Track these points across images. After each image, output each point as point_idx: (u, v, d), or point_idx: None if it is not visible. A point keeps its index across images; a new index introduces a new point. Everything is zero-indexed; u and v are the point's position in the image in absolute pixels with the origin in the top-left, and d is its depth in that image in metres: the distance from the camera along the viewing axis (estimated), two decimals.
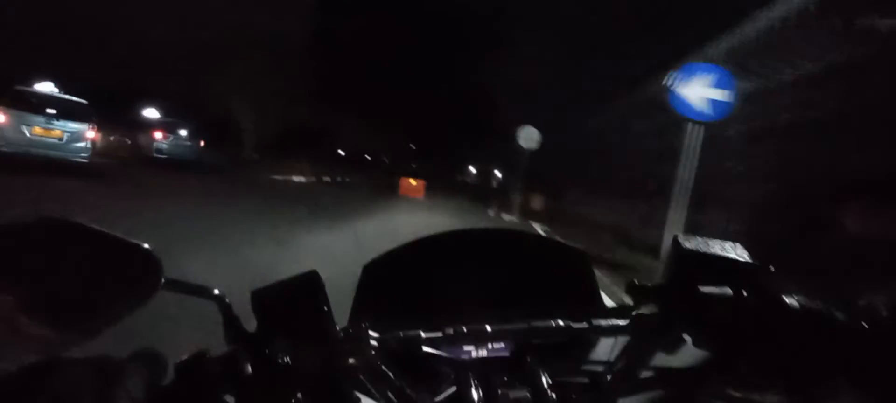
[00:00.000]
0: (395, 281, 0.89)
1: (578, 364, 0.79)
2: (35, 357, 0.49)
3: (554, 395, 0.67)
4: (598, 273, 1.00)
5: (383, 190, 24.96)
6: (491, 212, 20.23)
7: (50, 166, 9.89)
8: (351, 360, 0.66)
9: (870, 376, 0.51)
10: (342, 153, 56.07)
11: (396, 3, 44.04)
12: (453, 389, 0.72)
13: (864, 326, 0.53)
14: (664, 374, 0.67)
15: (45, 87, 11.75)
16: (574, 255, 0.98)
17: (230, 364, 0.66)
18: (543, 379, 0.68)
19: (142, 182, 11.55)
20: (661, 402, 0.67)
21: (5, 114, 9.69)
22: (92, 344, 0.55)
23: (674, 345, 0.67)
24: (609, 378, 0.70)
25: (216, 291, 0.66)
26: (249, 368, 0.63)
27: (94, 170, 11.00)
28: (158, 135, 18.96)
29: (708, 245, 0.70)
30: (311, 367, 0.65)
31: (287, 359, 0.65)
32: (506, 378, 0.72)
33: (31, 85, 11.37)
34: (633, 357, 0.69)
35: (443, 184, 40.98)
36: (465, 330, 0.74)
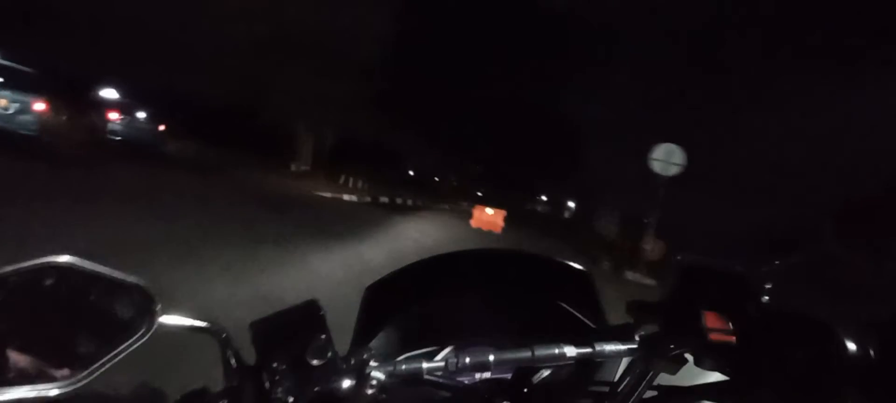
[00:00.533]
0: (397, 302, 0.96)
1: (582, 386, 0.84)
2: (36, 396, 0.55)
3: None
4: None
5: (451, 218, 23.81)
6: (627, 273, 15.29)
7: None
8: (352, 389, 0.73)
9: (874, 391, 0.55)
10: (408, 171, 53.00)
11: (487, 4, 41.04)
12: None
13: (867, 341, 0.56)
14: (668, 395, 0.73)
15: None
16: (579, 276, 1.04)
17: (231, 400, 0.72)
18: (548, 400, 0.77)
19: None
20: None
21: None
22: (89, 386, 0.60)
23: (677, 365, 0.72)
24: (613, 399, 0.76)
25: (214, 325, 0.73)
26: (250, 400, 0.70)
27: None
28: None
29: (710, 263, 0.76)
30: (313, 398, 0.71)
31: (288, 391, 0.71)
32: (509, 400, 0.79)
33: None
34: (636, 377, 0.75)
35: (527, 217, 37.95)
36: (467, 352, 0.80)
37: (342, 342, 0.82)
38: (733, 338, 0.67)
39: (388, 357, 0.77)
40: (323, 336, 0.76)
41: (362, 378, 0.74)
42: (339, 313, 0.83)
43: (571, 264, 1.05)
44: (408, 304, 0.96)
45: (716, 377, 0.69)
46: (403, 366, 0.77)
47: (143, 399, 0.63)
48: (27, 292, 0.59)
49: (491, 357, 0.79)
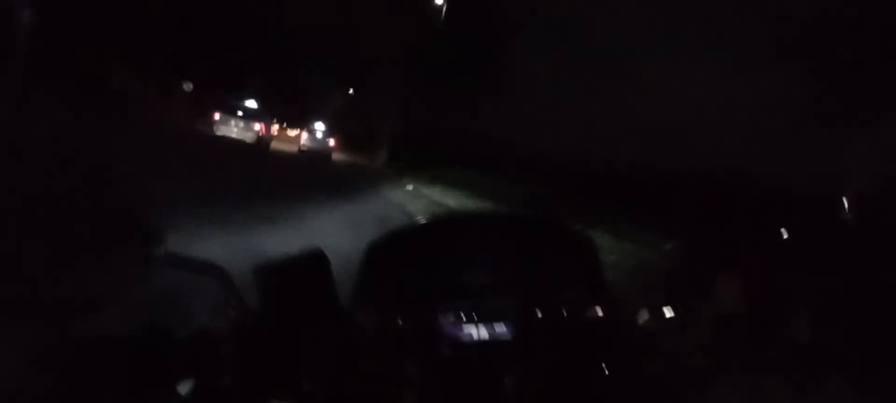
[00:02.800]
0: (398, 262, 0.96)
1: (581, 350, 0.83)
2: (39, 332, 0.57)
3: (556, 379, 0.76)
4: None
5: None
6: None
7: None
8: (354, 338, 0.74)
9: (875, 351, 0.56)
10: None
11: None
12: (455, 370, 0.80)
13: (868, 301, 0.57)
14: (669, 360, 0.72)
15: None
16: (580, 241, 1.03)
17: (234, 341, 0.72)
18: (546, 363, 0.77)
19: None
20: (666, 388, 0.72)
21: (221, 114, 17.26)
22: (95, 317, 0.62)
23: (683, 331, 0.71)
24: (613, 362, 0.76)
25: (220, 266, 0.74)
26: (253, 344, 0.72)
27: None
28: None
29: (714, 231, 0.75)
30: (315, 344, 0.73)
31: (290, 336, 0.73)
32: (508, 362, 0.79)
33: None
34: (637, 342, 0.75)
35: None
36: (467, 312, 0.82)
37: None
38: (738, 305, 0.67)
39: (389, 313, 0.78)
40: (329, 286, 0.77)
41: (366, 329, 0.75)
42: None
43: (574, 229, 1.05)
44: (409, 263, 0.96)
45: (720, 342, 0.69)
46: (407, 321, 0.79)
47: (144, 334, 0.64)
48: (28, 219, 0.62)
49: (490, 311, 0.82)
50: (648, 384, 0.73)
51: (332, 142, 22.72)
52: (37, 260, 0.61)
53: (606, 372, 0.75)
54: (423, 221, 1.08)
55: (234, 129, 17.94)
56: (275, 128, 22.81)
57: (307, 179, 12.01)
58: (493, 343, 0.88)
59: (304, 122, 23.85)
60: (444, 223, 1.11)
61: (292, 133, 24.04)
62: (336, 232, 5.83)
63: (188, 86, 16.09)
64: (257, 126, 18.66)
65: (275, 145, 20.58)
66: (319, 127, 23.00)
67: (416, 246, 1.00)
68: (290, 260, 0.77)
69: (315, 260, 0.78)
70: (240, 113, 18.57)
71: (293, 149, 21.40)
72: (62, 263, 0.62)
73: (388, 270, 0.94)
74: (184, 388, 0.66)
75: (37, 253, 0.61)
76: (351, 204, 9.29)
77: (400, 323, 0.78)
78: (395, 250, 0.98)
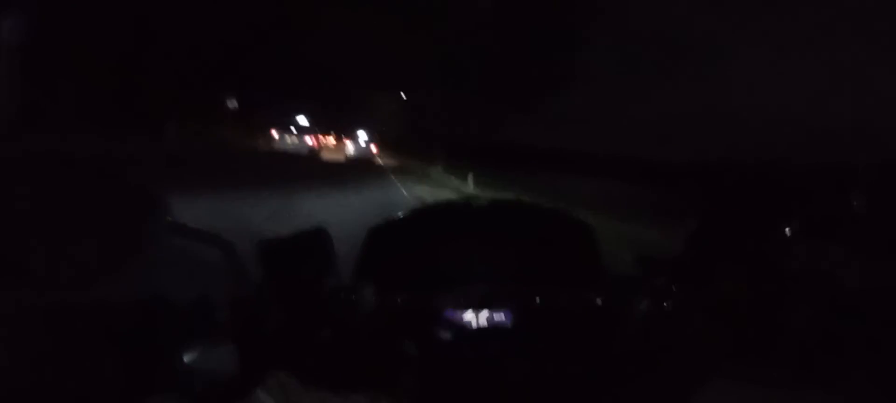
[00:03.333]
0: (399, 245, 0.97)
1: (581, 334, 0.83)
2: (41, 299, 0.57)
3: (554, 365, 0.76)
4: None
5: None
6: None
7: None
8: (353, 316, 0.75)
9: (877, 356, 0.58)
10: None
11: None
12: (453, 352, 0.81)
13: (871, 307, 0.59)
14: (669, 349, 0.71)
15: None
16: (580, 228, 1.01)
17: (234, 313, 0.73)
18: (544, 349, 0.78)
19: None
20: (666, 378, 0.71)
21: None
22: (97, 286, 0.62)
23: (682, 320, 0.70)
24: (613, 350, 0.76)
25: (224, 238, 0.75)
26: (253, 317, 0.73)
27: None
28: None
29: (718, 222, 0.76)
30: (315, 320, 0.74)
31: (291, 310, 0.74)
32: (506, 347, 0.79)
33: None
34: (639, 330, 0.73)
35: None
36: (466, 295, 0.83)
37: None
38: (743, 297, 0.68)
39: (389, 294, 0.79)
40: (331, 264, 0.78)
41: (365, 308, 0.75)
42: None
43: (574, 216, 1.04)
44: (410, 246, 0.97)
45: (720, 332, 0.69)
46: (406, 302, 0.80)
47: (147, 303, 0.64)
48: (33, 186, 0.63)
49: (489, 297, 0.83)
50: (646, 371, 0.73)
51: (374, 148, 24.54)
52: (39, 229, 0.61)
53: (604, 359, 0.76)
54: (424, 207, 1.08)
55: (288, 143, 21.17)
56: (325, 139, 24.62)
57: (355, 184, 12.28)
58: (491, 327, 0.88)
59: (350, 132, 25.51)
60: (445, 209, 1.12)
61: (339, 142, 25.36)
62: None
63: (233, 104, 16.79)
64: (309, 139, 21.61)
65: (325, 155, 22.32)
66: (362, 135, 25.10)
67: (417, 231, 1.01)
68: (292, 236, 0.79)
69: (317, 238, 0.79)
70: (293, 128, 22.02)
71: (340, 157, 22.84)
72: (65, 231, 0.62)
73: (388, 253, 0.95)
74: (187, 357, 0.66)
75: (40, 221, 0.61)
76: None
77: (399, 303, 0.79)
78: (397, 234, 0.99)
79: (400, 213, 1.01)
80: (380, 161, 23.83)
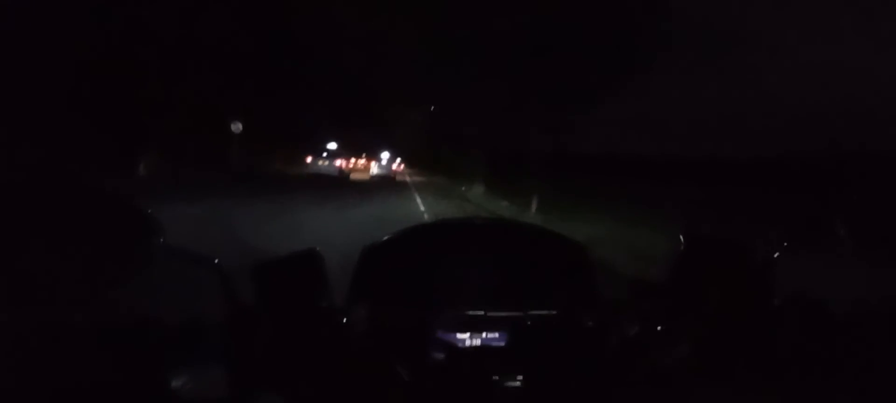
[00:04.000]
0: (392, 265, 0.96)
1: (573, 356, 0.81)
2: (37, 320, 0.58)
3: (546, 386, 0.74)
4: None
5: None
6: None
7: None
8: (347, 336, 0.75)
9: (870, 371, 0.54)
10: None
11: None
12: (446, 372, 0.79)
13: (864, 322, 0.58)
14: (661, 369, 0.69)
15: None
16: (573, 248, 1.01)
17: (226, 335, 0.74)
18: (537, 369, 0.76)
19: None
20: (658, 398, 0.70)
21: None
22: (90, 309, 0.63)
23: (673, 341, 0.69)
24: (605, 370, 0.75)
25: (215, 260, 0.75)
26: (246, 339, 0.73)
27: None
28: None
29: (714, 243, 0.74)
30: (309, 341, 0.74)
31: (285, 332, 0.74)
32: (500, 366, 0.78)
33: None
34: (630, 350, 0.73)
35: None
36: (460, 316, 0.84)
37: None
38: (733, 316, 0.67)
39: (382, 313, 0.79)
40: (324, 284, 0.79)
41: (359, 327, 0.76)
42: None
43: (567, 236, 1.04)
44: (403, 266, 0.97)
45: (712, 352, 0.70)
46: (399, 323, 0.80)
47: (139, 325, 0.65)
48: (27, 209, 0.64)
49: (483, 316, 0.85)
50: (636, 392, 0.73)
51: (395, 166, 26.85)
52: (38, 250, 0.63)
53: (595, 380, 0.76)
54: (418, 226, 1.09)
55: (320, 166, 24.09)
56: (354, 161, 27.63)
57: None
58: (484, 347, 0.88)
59: (374, 154, 27.89)
60: (438, 228, 1.12)
61: (364, 162, 28.24)
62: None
63: (237, 127, 16.93)
64: (339, 162, 24.92)
65: (354, 175, 25.02)
66: (385, 155, 27.49)
67: (409, 251, 1.01)
68: (284, 258, 0.79)
69: (309, 259, 0.79)
70: (324, 154, 25.41)
71: (366, 177, 24.86)
72: (62, 252, 0.64)
73: (382, 272, 0.95)
74: (177, 381, 0.66)
75: (38, 242, 0.63)
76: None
77: (391, 323, 0.80)
78: (390, 253, 0.99)
79: (393, 233, 1.01)
80: (404, 178, 25.26)
